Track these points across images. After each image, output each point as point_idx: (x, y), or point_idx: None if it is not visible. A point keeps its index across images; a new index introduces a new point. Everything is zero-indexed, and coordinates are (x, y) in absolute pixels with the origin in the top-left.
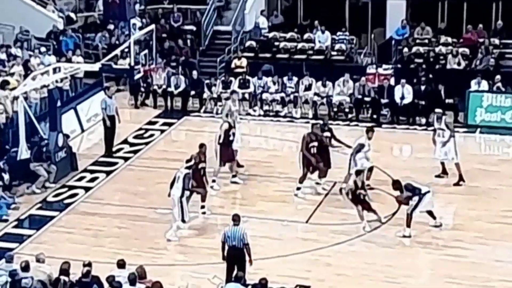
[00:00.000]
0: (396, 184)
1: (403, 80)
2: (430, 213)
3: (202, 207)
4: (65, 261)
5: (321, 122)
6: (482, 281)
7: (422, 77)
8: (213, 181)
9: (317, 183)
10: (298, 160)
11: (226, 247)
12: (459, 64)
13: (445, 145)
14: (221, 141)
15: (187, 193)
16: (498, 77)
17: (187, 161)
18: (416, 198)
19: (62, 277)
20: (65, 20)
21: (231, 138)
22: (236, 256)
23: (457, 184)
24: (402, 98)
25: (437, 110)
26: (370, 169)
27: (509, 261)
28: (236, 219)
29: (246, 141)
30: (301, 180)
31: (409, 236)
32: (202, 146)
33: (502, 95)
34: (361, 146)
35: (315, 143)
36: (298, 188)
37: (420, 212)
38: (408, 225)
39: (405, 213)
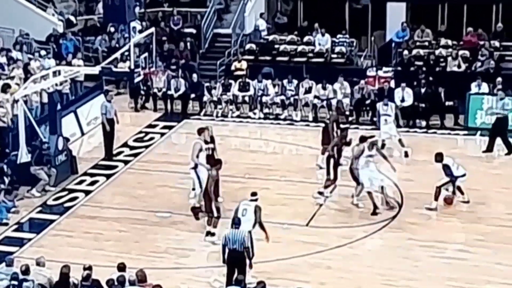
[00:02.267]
0: (438, 157)
1: (403, 84)
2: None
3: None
4: (65, 265)
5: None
6: (483, 284)
7: (422, 80)
8: None
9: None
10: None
11: (227, 250)
12: (459, 66)
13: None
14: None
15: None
16: (499, 79)
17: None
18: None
19: (72, 280)
20: (65, 23)
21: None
22: (236, 259)
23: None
24: (402, 100)
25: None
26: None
27: (510, 264)
28: (237, 222)
29: (246, 144)
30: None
31: (435, 209)
32: (219, 162)
33: None
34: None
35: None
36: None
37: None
38: (436, 199)
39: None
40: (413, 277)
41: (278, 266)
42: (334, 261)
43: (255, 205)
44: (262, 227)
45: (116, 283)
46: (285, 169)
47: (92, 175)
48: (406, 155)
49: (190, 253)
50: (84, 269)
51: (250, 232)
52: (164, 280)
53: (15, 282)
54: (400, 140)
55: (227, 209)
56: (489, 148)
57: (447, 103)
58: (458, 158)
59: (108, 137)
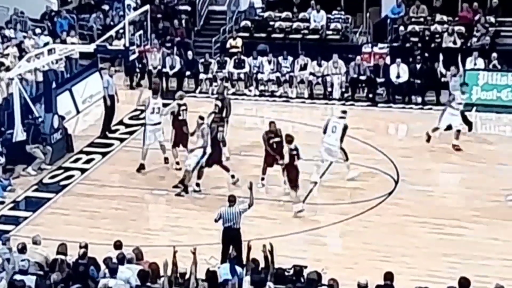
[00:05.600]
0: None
1: (398, 59)
2: None
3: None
4: (62, 243)
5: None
6: (480, 259)
7: (418, 56)
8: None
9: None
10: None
11: (222, 228)
12: (454, 42)
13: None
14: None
15: None
16: (494, 55)
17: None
18: None
19: (59, 256)
20: (60, 1)
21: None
22: (231, 237)
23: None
24: (398, 77)
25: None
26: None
27: (506, 240)
28: (232, 200)
29: (242, 122)
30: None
31: None
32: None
33: (498, 73)
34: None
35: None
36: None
37: None
38: None
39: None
40: (409, 253)
41: (274, 243)
42: (330, 238)
43: (344, 123)
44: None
45: (115, 260)
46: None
47: (87, 153)
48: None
49: (186, 231)
50: (80, 247)
51: (244, 210)
52: (160, 257)
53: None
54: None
55: (221, 187)
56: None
57: (443, 79)
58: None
59: (108, 112)
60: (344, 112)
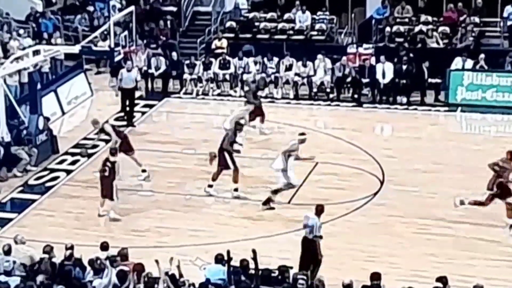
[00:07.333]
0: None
1: (382, 57)
2: None
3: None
4: (47, 245)
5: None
6: (465, 259)
7: (403, 56)
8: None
9: None
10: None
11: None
12: (438, 43)
13: None
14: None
15: None
16: (482, 56)
17: None
18: None
19: (45, 255)
20: (44, 2)
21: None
22: (305, 245)
23: None
24: (384, 76)
25: None
26: None
27: (491, 240)
28: (320, 209)
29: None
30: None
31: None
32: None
33: (483, 73)
34: None
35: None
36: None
37: None
38: None
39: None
40: (395, 253)
41: (261, 244)
42: None
43: None
44: None
45: (107, 261)
46: (266, 147)
47: (73, 154)
48: None
49: (172, 232)
50: (66, 248)
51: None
52: (146, 258)
53: None
54: None
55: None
56: None
57: (430, 80)
58: (439, 135)
59: (130, 104)
60: None
